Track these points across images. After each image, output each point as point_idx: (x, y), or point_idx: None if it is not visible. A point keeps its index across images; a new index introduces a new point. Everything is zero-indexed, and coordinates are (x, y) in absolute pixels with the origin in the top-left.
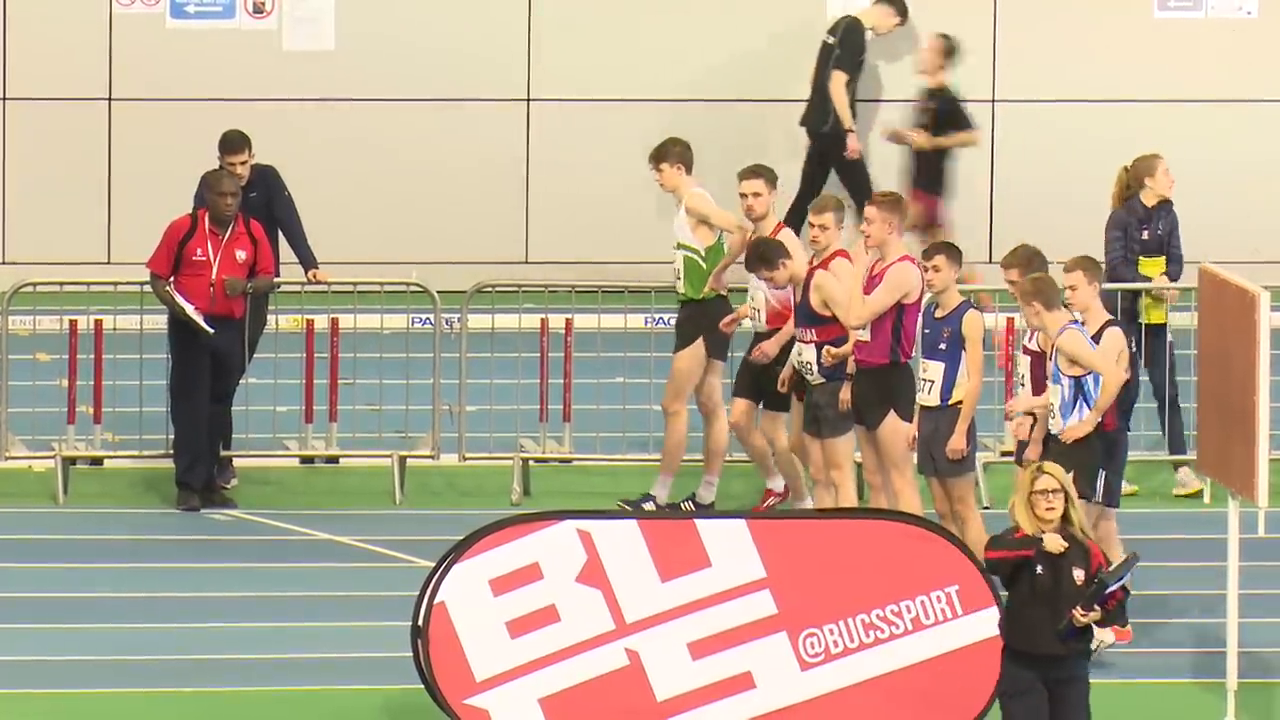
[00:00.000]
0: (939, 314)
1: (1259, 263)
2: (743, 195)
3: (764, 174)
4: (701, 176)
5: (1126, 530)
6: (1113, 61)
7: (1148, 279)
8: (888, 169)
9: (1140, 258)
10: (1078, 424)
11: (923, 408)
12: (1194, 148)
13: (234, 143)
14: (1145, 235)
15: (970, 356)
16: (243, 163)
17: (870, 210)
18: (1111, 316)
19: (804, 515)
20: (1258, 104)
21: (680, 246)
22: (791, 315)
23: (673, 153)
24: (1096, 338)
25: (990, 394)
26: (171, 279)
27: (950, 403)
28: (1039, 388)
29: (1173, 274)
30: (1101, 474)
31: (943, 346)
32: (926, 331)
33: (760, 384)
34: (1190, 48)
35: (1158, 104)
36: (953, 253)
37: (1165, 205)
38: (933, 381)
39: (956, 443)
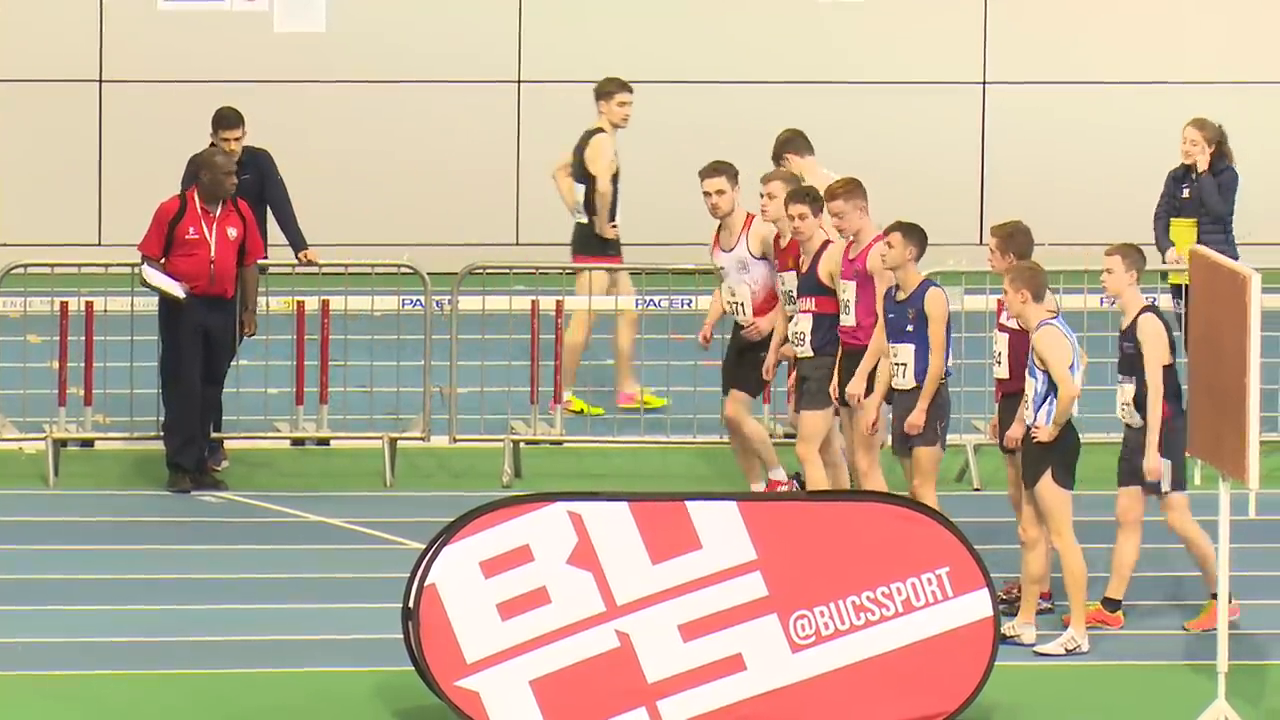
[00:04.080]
0: (900, 296)
1: (1251, 244)
2: (706, 194)
3: (725, 170)
4: (684, 160)
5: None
6: (1104, 43)
7: (1171, 242)
8: None
9: (1171, 217)
10: (1045, 429)
11: (898, 391)
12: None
13: (229, 119)
14: (1185, 194)
15: (932, 335)
16: (236, 139)
17: (835, 204)
18: (1148, 303)
19: (795, 497)
20: (1251, 85)
21: None
22: (773, 292)
23: (788, 142)
24: (1133, 326)
25: (981, 374)
26: (163, 260)
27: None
28: (1017, 366)
29: (1200, 239)
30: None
31: (909, 329)
32: (890, 316)
33: (736, 370)
34: (1182, 29)
35: (1150, 85)
36: (910, 232)
37: (1207, 168)
38: (905, 364)
39: (915, 418)
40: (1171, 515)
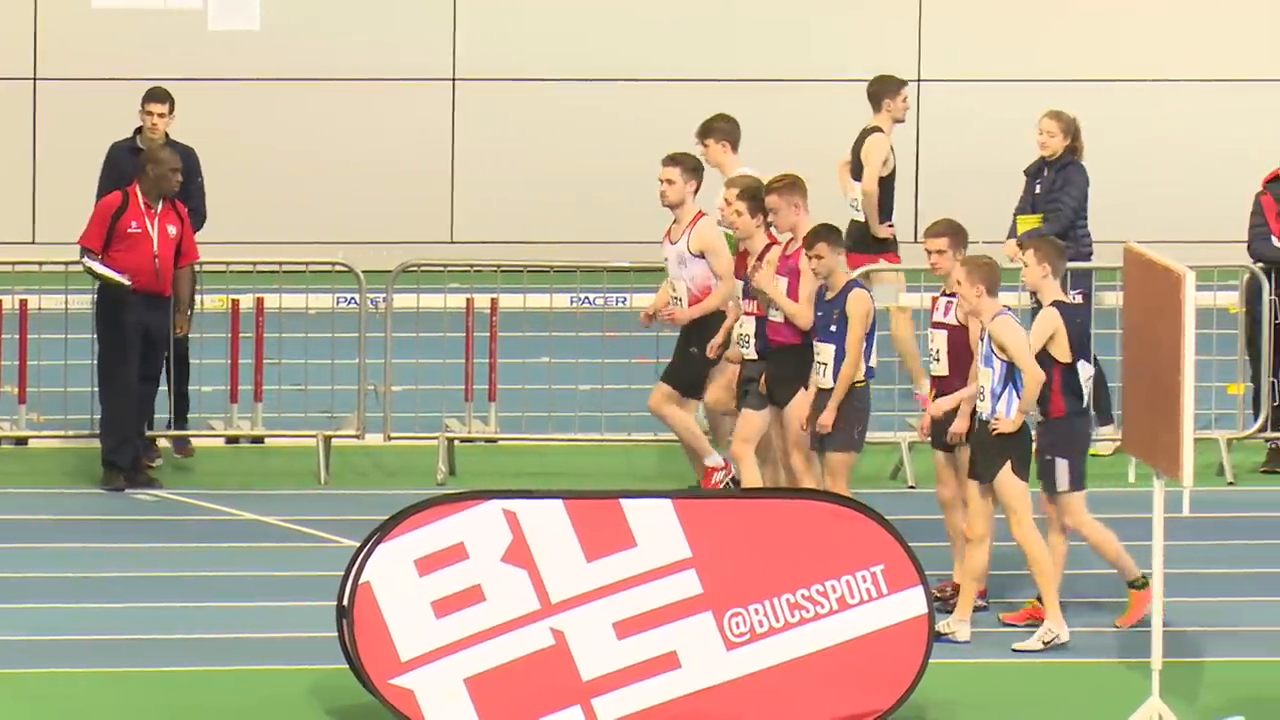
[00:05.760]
0: (829, 296)
1: (1183, 242)
2: (659, 180)
3: (681, 163)
4: (627, 158)
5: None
6: (1038, 41)
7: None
8: None
9: (1019, 215)
10: (1008, 420)
11: (818, 389)
12: (1118, 128)
13: (156, 94)
14: (1037, 190)
15: (849, 336)
16: (161, 115)
17: (771, 199)
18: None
19: (730, 495)
20: (1182, 84)
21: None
22: (710, 292)
23: (718, 129)
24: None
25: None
26: (101, 256)
27: None
28: (956, 363)
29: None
30: (1066, 461)
31: (833, 328)
32: (819, 314)
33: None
34: (1115, 28)
35: (1081, 84)
36: (833, 237)
37: (1051, 163)
38: (825, 364)
39: (825, 418)
40: (1067, 517)
